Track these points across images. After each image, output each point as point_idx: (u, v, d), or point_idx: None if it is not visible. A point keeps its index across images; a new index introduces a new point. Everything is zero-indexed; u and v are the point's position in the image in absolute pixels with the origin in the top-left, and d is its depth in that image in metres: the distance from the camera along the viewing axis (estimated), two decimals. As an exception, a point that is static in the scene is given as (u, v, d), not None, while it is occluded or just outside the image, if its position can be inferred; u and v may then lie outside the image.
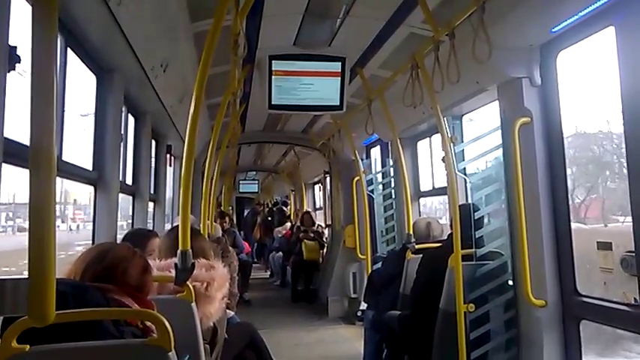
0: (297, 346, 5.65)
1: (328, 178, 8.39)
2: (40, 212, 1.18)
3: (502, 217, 3.23)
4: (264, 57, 4.21)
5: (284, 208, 12.78)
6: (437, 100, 3.28)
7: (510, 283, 3.15)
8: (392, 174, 5.65)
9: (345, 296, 6.98)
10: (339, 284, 7.03)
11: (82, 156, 3.01)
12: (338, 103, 4.45)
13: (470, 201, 3.56)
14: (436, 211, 6.09)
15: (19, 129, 1.86)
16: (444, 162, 3.31)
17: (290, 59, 4.26)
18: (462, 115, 4.33)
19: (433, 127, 4.60)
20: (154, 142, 4.72)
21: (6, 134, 1.71)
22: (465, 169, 3.49)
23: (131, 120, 3.95)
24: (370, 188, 5.93)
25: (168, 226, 5.02)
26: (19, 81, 1.73)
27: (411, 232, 4.27)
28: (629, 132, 2.35)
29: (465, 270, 3.03)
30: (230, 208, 13.18)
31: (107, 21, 2.35)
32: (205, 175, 4.59)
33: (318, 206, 11.26)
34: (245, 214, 16.13)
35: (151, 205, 4.70)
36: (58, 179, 1.81)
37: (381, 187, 5.82)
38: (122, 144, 3.45)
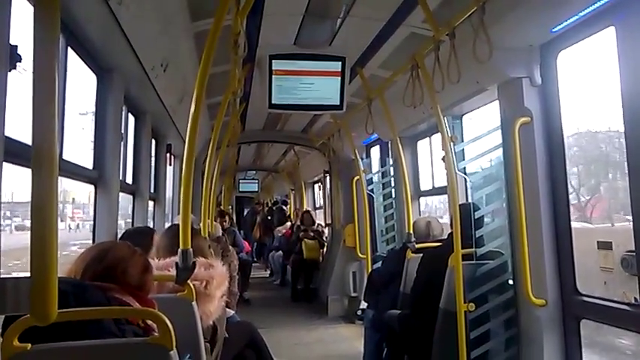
0: (297, 345, 5.66)
1: (328, 178, 8.39)
2: (42, 211, 1.19)
3: (502, 217, 3.23)
4: (264, 56, 4.20)
5: (284, 208, 12.78)
6: (437, 100, 3.28)
7: (510, 282, 3.15)
8: (392, 173, 5.66)
9: (345, 295, 6.99)
10: (339, 283, 7.03)
11: (82, 155, 3.02)
12: (338, 103, 4.45)
13: (470, 200, 3.57)
14: (436, 211, 6.09)
15: (19, 128, 1.87)
16: (444, 161, 3.31)
17: (290, 59, 4.25)
18: (462, 115, 4.34)
19: (433, 126, 4.60)
20: (153, 141, 4.72)
21: (7, 133, 1.71)
22: (465, 168, 3.49)
23: (131, 119, 3.95)
24: (370, 187, 5.94)
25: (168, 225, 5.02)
26: (20, 80, 1.73)
27: (411, 232, 4.28)
28: (630, 131, 2.35)
29: (465, 269, 3.03)
30: (230, 207, 13.18)
31: (107, 20, 2.35)
32: (205, 174, 4.59)
33: (318, 205, 11.27)
34: (245, 213, 16.14)
35: (150, 204, 4.71)
36: (59, 178, 1.82)
37: (381, 186, 5.83)
38: (122, 143, 3.46)
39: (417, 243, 4.16)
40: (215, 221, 6.10)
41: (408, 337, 3.53)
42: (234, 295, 4.47)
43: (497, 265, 3.16)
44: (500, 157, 3.21)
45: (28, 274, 1.20)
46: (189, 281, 2.24)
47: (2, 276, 1.66)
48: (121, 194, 3.32)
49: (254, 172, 14.30)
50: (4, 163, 1.67)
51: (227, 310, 3.34)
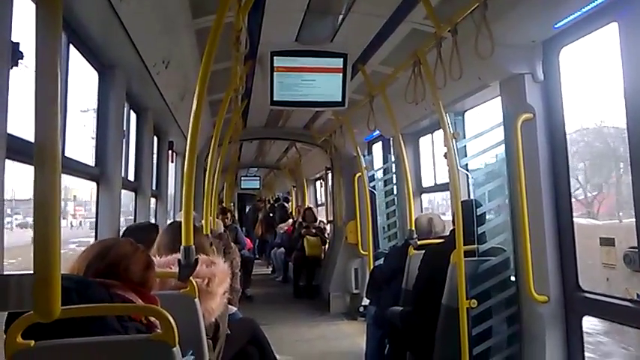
0: (299, 342, 5.66)
1: (330, 175, 8.39)
2: (45, 208, 1.18)
3: (504, 213, 3.23)
4: (266, 53, 4.20)
5: (285, 205, 12.77)
6: (439, 97, 3.27)
7: (513, 278, 3.15)
8: (394, 170, 5.65)
9: (347, 292, 6.99)
10: (341, 280, 7.03)
11: (84, 152, 3.02)
12: (340, 99, 4.45)
13: (472, 197, 3.56)
14: (439, 207, 6.09)
15: (21, 125, 1.87)
16: (446, 158, 3.31)
17: (292, 55, 4.25)
18: (465, 112, 4.33)
19: (435, 123, 4.59)
20: (155, 138, 4.72)
21: (9, 130, 1.72)
22: (467, 165, 3.49)
23: (133, 116, 3.95)
24: (372, 184, 5.94)
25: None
26: (22, 77, 1.73)
27: (413, 228, 4.28)
28: (632, 128, 2.35)
29: (467, 266, 3.03)
30: (232, 204, 13.19)
31: (109, 17, 2.35)
32: (207, 171, 4.59)
33: (319, 202, 11.27)
34: (247, 210, 16.15)
35: (152, 201, 4.71)
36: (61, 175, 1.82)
37: (382, 183, 5.82)
38: (124, 140, 3.46)
39: (419, 240, 4.16)
40: (217, 218, 6.11)
41: (410, 334, 3.53)
42: (237, 291, 4.47)
43: (500, 262, 3.16)
44: (502, 153, 3.20)
45: (31, 272, 1.20)
46: (191, 278, 2.24)
47: (5, 273, 1.67)
48: (123, 191, 3.33)
49: (256, 169, 14.32)
50: (6, 160, 1.67)
51: (229, 306, 3.35)
